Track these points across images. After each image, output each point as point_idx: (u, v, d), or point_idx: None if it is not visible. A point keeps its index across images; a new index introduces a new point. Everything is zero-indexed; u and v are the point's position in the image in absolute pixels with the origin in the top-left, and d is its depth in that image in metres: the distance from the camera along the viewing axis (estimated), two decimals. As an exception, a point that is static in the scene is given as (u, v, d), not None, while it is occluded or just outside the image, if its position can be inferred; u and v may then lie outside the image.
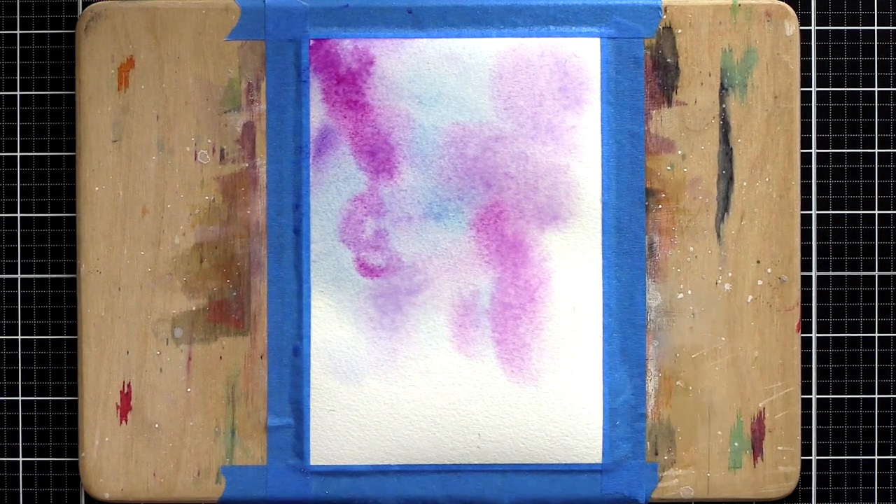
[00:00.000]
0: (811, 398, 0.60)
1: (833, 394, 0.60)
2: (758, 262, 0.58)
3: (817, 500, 0.60)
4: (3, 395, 0.60)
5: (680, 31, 0.58)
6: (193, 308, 0.58)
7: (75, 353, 0.59)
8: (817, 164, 0.60)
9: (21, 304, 0.60)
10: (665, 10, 0.58)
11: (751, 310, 0.58)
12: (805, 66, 0.60)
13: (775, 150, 0.58)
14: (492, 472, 0.58)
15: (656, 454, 0.58)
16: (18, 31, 0.60)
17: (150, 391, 0.58)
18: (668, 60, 0.58)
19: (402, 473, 0.58)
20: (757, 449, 0.58)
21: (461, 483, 0.58)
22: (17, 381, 0.60)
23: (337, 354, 0.58)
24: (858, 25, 0.60)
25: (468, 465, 0.58)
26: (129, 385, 0.58)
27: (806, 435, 0.59)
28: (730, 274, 0.58)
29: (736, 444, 0.58)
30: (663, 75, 0.58)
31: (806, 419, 0.59)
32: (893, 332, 0.60)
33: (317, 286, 0.58)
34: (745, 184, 0.58)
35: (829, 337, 0.60)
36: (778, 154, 0.58)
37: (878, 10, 0.60)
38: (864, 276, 0.60)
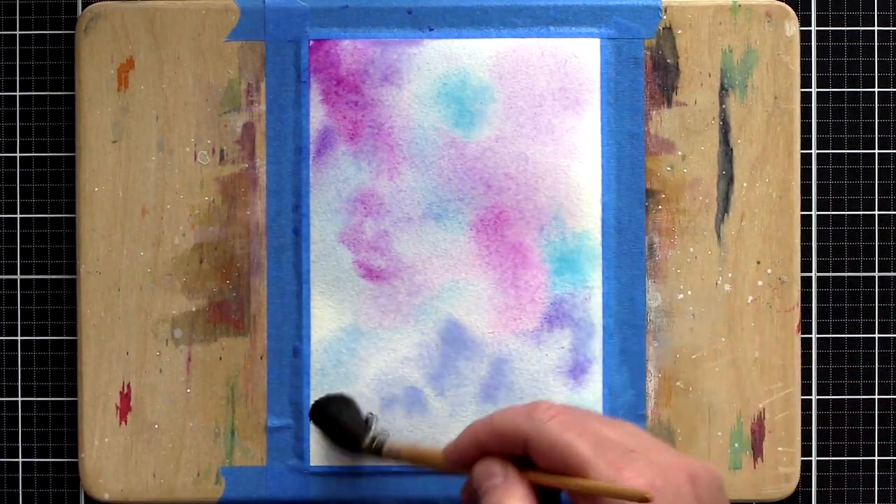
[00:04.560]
0: (811, 399, 0.60)
1: (833, 395, 0.60)
2: (758, 262, 0.58)
3: (817, 502, 0.60)
4: (3, 396, 0.60)
5: (680, 31, 0.58)
6: (193, 309, 0.58)
7: (75, 354, 0.59)
8: (817, 164, 0.60)
9: (21, 305, 0.60)
10: (665, 11, 0.58)
11: (751, 310, 0.58)
12: (805, 67, 0.60)
13: (775, 150, 0.58)
14: (492, 472, 0.57)
15: (656, 455, 0.58)
16: (18, 32, 0.60)
17: (150, 392, 0.58)
18: (668, 61, 0.58)
19: (402, 474, 0.58)
20: (757, 450, 0.58)
21: (461, 484, 0.58)
22: (17, 381, 0.60)
23: (337, 355, 0.58)
24: (858, 26, 0.60)
25: (468, 466, 0.58)
26: (128, 386, 0.58)
27: (806, 436, 0.59)
28: (730, 275, 0.58)
29: (736, 445, 0.58)
30: (663, 76, 0.58)
31: (806, 420, 0.59)
32: (893, 333, 0.60)
33: (316, 287, 0.58)
34: (745, 184, 0.58)
35: (829, 338, 0.60)
36: (778, 155, 0.58)
37: (878, 11, 0.60)
38: (864, 276, 0.60)
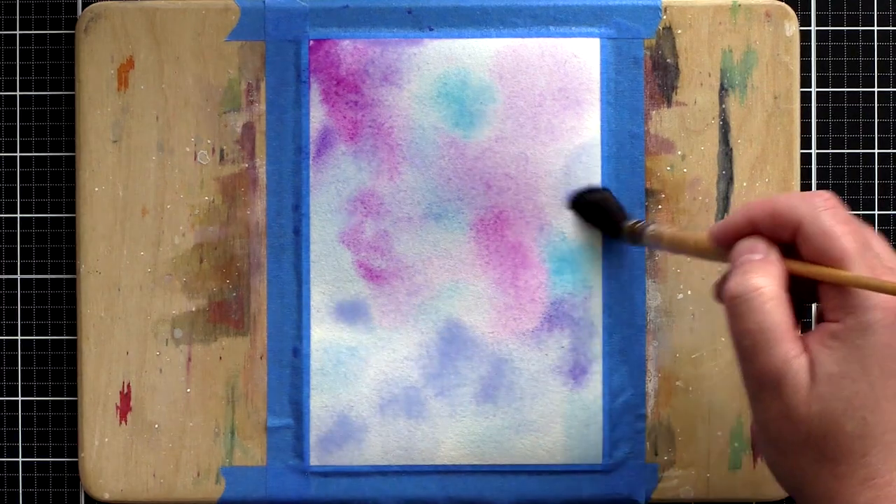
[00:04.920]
0: (811, 399, 0.59)
1: (833, 394, 0.60)
2: (758, 262, 0.58)
3: (817, 501, 0.59)
4: (3, 396, 0.60)
5: (680, 31, 0.58)
6: (193, 309, 0.58)
7: (75, 354, 0.59)
8: (817, 164, 0.60)
9: (21, 305, 0.60)
10: (665, 11, 0.58)
11: (751, 310, 0.58)
12: (805, 67, 0.60)
13: (775, 150, 0.58)
14: (491, 472, 0.58)
15: (656, 455, 0.58)
16: (18, 32, 0.60)
17: (150, 392, 0.58)
18: (668, 61, 0.58)
19: (402, 474, 0.58)
20: (757, 450, 0.58)
21: (461, 484, 0.58)
22: (17, 381, 0.60)
23: (336, 355, 0.58)
24: (858, 25, 0.60)
25: (468, 466, 0.58)
26: (128, 385, 0.58)
27: (806, 435, 0.59)
28: (730, 274, 0.58)
29: (736, 444, 0.58)
30: (663, 76, 0.58)
31: (806, 420, 0.59)
32: (893, 333, 0.60)
33: (316, 287, 0.58)
34: (745, 184, 0.58)
35: (828, 337, 0.60)
36: (778, 154, 0.58)
37: (878, 11, 0.60)
38: (864, 276, 0.60)
